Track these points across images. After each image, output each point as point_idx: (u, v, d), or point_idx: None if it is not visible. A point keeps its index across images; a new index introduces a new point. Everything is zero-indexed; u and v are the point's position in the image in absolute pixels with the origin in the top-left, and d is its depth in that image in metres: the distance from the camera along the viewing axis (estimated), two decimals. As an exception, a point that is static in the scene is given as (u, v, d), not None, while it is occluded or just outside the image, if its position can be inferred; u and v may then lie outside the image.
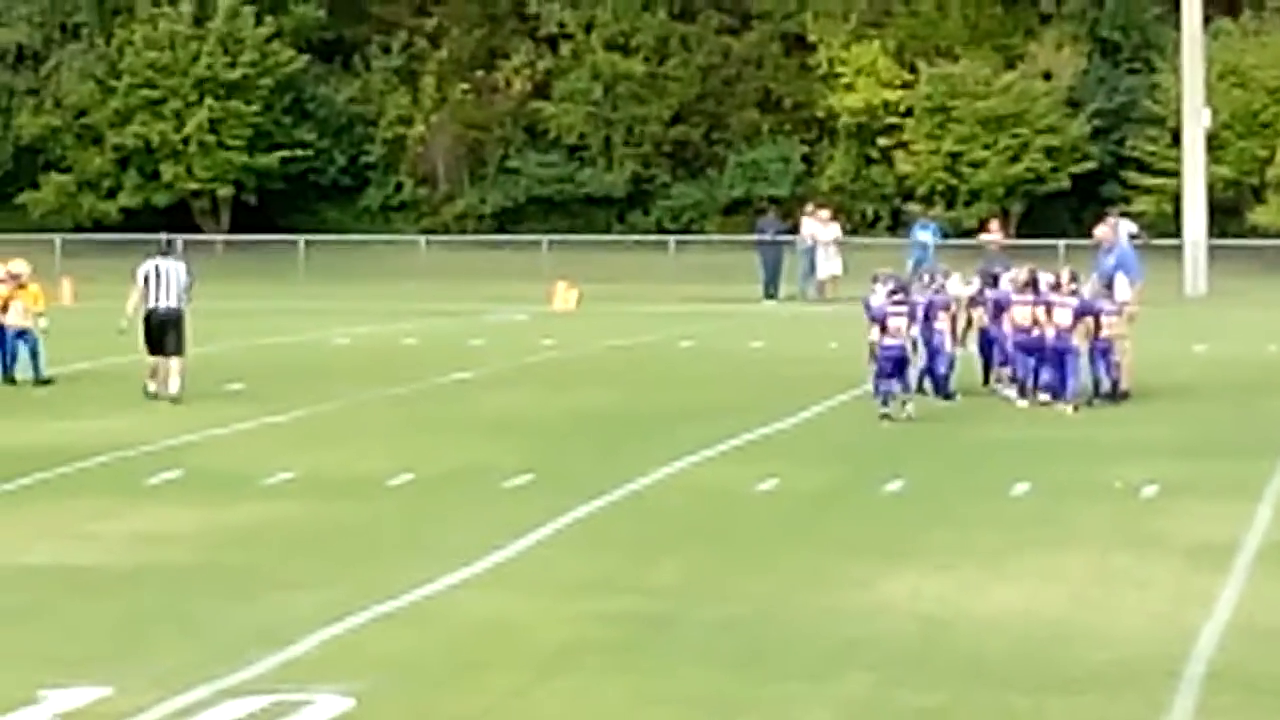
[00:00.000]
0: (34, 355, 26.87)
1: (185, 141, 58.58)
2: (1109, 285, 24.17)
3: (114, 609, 12.95)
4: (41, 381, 26.63)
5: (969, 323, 25.39)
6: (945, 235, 48.99)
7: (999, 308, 24.42)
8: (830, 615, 12.66)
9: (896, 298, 22.69)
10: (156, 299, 25.02)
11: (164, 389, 24.58)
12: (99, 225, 57.18)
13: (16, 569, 14.30)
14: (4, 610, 12.96)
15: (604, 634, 12.17)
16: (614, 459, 19.46)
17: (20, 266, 27.86)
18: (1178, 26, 49.65)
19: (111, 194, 59.55)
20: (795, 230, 46.78)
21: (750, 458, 19.57)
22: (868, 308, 22.91)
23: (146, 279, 25.17)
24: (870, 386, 22.80)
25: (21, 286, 27.35)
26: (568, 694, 10.86)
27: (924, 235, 47.11)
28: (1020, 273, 24.42)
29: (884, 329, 22.35)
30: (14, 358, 26.90)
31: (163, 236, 26.87)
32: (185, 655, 11.59)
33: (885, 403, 22.22)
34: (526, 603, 12.99)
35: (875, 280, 23.32)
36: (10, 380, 26.72)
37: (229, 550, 14.97)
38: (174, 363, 24.71)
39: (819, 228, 45.92)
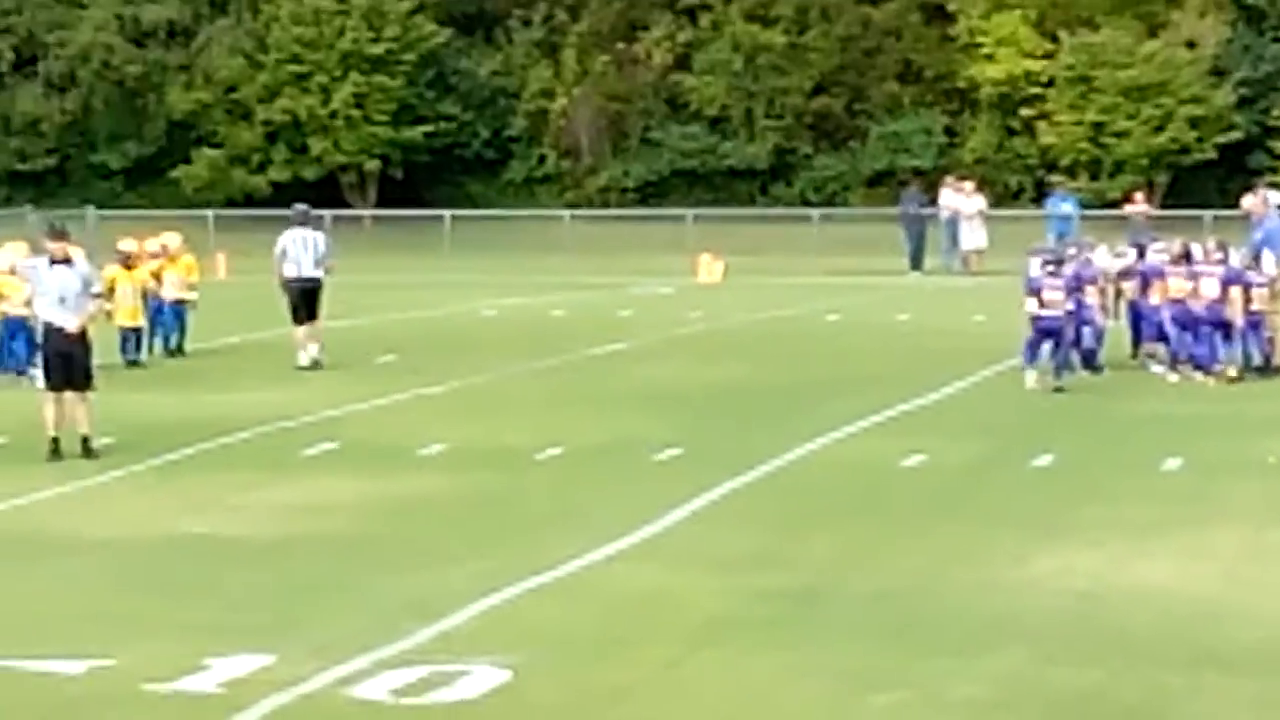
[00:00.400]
0: (181, 327, 27.29)
1: (332, 116, 59.19)
2: (1256, 258, 23.91)
3: (272, 579, 13.16)
4: (179, 351, 27.06)
5: (1117, 295, 25.27)
6: (1085, 206, 48.63)
7: (1146, 280, 24.29)
8: (981, 590, 12.64)
9: (1050, 269, 22.76)
10: (298, 268, 25.54)
11: (304, 355, 25.09)
12: (250, 199, 57.88)
13: (177, 540, 14.55)
14: (168, 580, 13.21)
15: (754, 608, 12.22)
16: (761, 433, 19.50)
17: (171, 239, 28.29)
18: (1327, -7, 49.00)
19: (261, 168, 60.30)
20: (935, 203, 46.57)
21: (897, 432, 19.55)
22: (1028, 281, 23.00)
23: (285, 250, 25.68)
24: (1021, 359, 22.80)
25: (172, 259, 27.76)
26: (719, 667, 10.93)
27: (1066, 207, 46.77)
28: (1173, 244, 24.30)
29: (1040, 301, 22.41)
30: (171, 329, 27.29)
31: (298, 206, 27.11)
32: (343, 626, 11.76)
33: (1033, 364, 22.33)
34: (677, 576, 13.07)
35: (1031, 255, 23.51)
36: (170, 353, 27.11)
37: (383, 522, 15.17)
38: (310, 329, 25.27)
39: (960, 200, 45.66)
